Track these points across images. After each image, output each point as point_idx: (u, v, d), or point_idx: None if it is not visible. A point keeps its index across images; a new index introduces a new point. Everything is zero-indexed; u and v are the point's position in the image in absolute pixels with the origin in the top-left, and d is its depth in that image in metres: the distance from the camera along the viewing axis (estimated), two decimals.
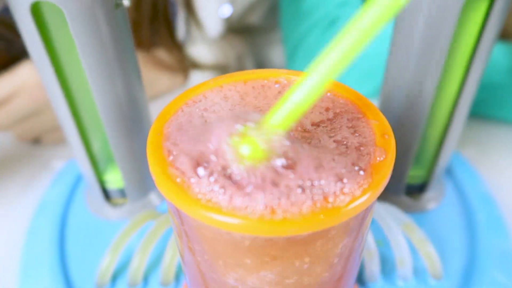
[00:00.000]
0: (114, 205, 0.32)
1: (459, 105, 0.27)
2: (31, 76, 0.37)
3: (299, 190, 0.14)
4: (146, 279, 0.28)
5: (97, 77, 0.26)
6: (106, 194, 0.32)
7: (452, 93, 0.27)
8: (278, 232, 0.14)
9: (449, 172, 0.35)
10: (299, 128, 0.17)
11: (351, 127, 0.17)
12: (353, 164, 0.15)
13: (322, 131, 0.17)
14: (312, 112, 0.18)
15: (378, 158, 0.16)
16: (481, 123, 0.43)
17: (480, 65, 0.26)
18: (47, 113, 0.38)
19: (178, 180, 0.15)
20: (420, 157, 0.31)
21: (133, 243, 0.29)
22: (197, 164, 0.15)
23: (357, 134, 0.17)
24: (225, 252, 0.16)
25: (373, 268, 0.27)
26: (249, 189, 0.14)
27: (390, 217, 0.28)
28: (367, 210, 0.16)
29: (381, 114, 0.18)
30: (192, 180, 0.15)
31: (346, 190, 0.15)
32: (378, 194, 0.15)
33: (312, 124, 0.17)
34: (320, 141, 0.16)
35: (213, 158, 0.15)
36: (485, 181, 0.35)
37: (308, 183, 0.14)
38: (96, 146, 0.30)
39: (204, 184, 0.15)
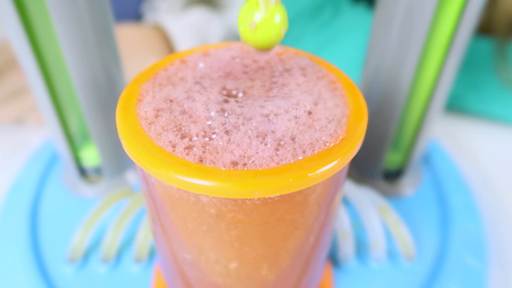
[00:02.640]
0: (90, 182, 0.31)
1: (437, 91, 0.27)
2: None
3: (268, 146, 0.14)
4: (119, 255, 0.27)
5: (73, 50, 0.25)
6: (82, 172, 0.31)
7: (429, 79, 0.28)
8: (245, 193, 0.14)
9: (426, 160, 0.36)
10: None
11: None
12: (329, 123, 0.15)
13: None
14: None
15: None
16: (462, 117, 0.44)
17: (458, 53, 0.26)
18: (31, 93, 0.38)
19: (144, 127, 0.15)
20: (398, 142, 0.31)
21: (107, 220, 0.28)
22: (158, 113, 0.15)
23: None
24: (189, 215, 0.16)
25: (348, 249, 0.27)
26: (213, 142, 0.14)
27: (367, 200, 0.28)
28: (339, 174, 0.16)
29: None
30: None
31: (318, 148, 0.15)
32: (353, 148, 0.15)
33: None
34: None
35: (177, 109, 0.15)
36: (462, 171, 0.35)
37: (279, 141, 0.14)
38: (72, 122, 0.29)
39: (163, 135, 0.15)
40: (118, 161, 0.31)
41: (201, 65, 0.18)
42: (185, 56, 0.19)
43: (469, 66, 0.43)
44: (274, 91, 0.17)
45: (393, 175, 0.32)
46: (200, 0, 0.52)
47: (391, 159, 0.32)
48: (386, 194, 0.32)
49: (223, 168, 0.14)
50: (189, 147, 0.14)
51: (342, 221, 0.27)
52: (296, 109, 0.16)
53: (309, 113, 0.16)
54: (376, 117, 0.29)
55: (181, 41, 0.44)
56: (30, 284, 0.25)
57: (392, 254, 0.28)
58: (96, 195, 0.31)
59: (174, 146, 0.14)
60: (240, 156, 0.14)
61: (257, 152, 0.14)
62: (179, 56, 0.19)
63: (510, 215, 0.33)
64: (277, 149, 0.14)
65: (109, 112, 0.29)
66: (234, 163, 0.14)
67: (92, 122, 0.28)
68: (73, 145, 0.30)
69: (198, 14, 0.47)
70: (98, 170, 0.31)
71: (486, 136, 0.42)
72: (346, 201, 0.31)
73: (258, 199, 0.14)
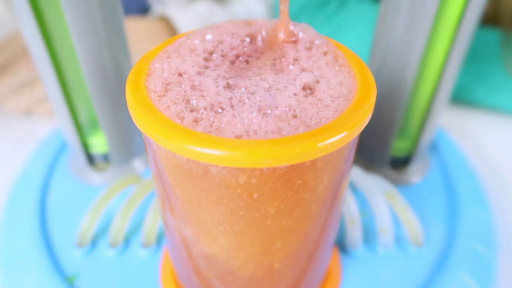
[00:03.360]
0: (98, 170, 0.32)
1: (443, 80, 0.27)
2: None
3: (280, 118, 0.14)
4: (127, 240, 0.27)
5: (83, 39, 0.25)
6: (90, 159, 0.32)
7: (436, 68, 0.28)
8: (255, 162, 0.14)
9: (434, 149, 0.35)
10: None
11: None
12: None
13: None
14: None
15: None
16: (468, 109, 0.44)
17: (464, 41, 0.26)
18: (41, 84, 0.38)
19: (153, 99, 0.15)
20: (405, 130, 0.31)
21: (115, 206, 0.28)
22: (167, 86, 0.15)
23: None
24: (198, 188, 0.16)
25: (355, 234, 0.27)
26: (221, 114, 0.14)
27: (374, 186, 0.28)
28: (348, 147, 0.16)
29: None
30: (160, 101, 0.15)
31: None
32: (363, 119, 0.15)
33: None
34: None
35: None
36: (470, 159, 0.35)
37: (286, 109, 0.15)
38: (81, 110, 0.29)
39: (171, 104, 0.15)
40: (126, 148, 0.31)
41: (209, 36, 0.18)
42: (193, 33, 0.19)
43: (476, 58, 0.43)
44: (278, 66, 0.17)
45: (401, 163, 0.32)
46: None
47: (399, 146, 0.31)
48: (394, 182, 0.32)
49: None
50: (196, 120, 0.14)
51: (350, 207, 0.27)
52: (301, 85, 0.16)
53: (312, 90, 0.16)
54: (383, 105, 0.29)
55: (188, 31, 0.45)
56: (40, 268, 0.26)
57: (400, 240, 0.28)
58: (104, 182, 0.31)
59: (182, 118, 0.14)
60: (245, 130, 0.14)
61: (260, 127, 0.14)
62: (188, 33, 0.19)
63: None
64: (280, 127, 0.14)
65: (117, 100, 0.29)
66: (239, 136, 0.14)
67: (100, 110, 0.28)
68: (82, 132, 0.30)
69: (204, 6, 0.47)
70: (106, 158, 0.31)
71: (493, 127, 0.42)
72: (354, 188, 0.31)
73: (268, 169, 0.14)
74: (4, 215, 0.29)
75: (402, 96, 0.28)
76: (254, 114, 0.14)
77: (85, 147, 0.31)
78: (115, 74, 0.28)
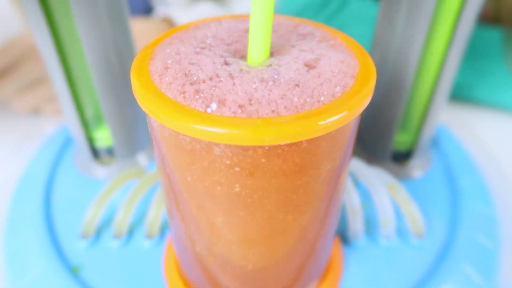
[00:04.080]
0: (102, 164, 0.32)
1: (443, 74, 0.28)
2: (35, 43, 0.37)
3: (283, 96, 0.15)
4: (131, 232, 0.28)
5: (90, 36, 0.26)
6: (95, 153, 0.32)
7: (435, 62, 0.28)
8: (256, 139, 0.14)
9: (435, 144, 0.36)
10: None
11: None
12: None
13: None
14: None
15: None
16: (469, 106, 0.44)
17: (462, 38, 0.26)
18: (48, 83, 0.39)
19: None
20: (406, 123, 0.31)
21: (119, 199, 0.29)
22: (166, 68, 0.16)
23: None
24: (200, 169, 0.16)
25: (357, 225, 0.27)
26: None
27: (376, 178, 0.28)
28: (347, 129, 0.16)
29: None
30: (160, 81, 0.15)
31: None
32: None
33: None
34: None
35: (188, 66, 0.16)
36: (471, 154, 0.35)
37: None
38: (87, 104, 0.30)
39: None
40: (130, 142, 0.32)
41: (212, 27, 0.19)
42: (198, 24, 0.20)
43: (478, 56, 0.43)
44: (279, 55, 0.17)
45: (402, 157, 0.33)
46: None
47: (400, 140, 0.32)
48: (396, 176, 0.32)
49: (231, 111, 0.14)
50: (197, 91, 0.15)
51: (352, 198, 0.28)
52: (303, 61, 0.16)
53: (313, 66, 0.16)
54: (385, 99, 0.30)
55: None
56: (45, 259, 0.26)
57: (401, 231, 0.28)
58: (108, 176, 0.32)
59: (183, 92, 0.15)
60: (248, 99, 0.14)
61: (263, 96, 0.14)
62: (192, 24, 0.20)
63: None
64: (283, 96, 0.14)
65: (122, 95, 0.29)
66: (241, 106, 0.14)
67: (105, 104, 0.29)
68: (87, 126, 0.30)
69: (206, 8, 0.48)
70: (110, 151, 0.32)
71: (495, 124, 0.42)
72: (355, 180, 0.31)
73: (269, 147, 0.15)
74: (10, 207, 0.30)
75: (403, 91, 0.29)
76: (256, 84, 0.15)
77: (90, 141, 0.31)
78: (120, 69, 0.29)
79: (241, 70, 0.15)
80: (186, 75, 0.15)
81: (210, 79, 0.15)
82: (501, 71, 0.42)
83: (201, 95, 0.14)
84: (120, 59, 0.28)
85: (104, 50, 0.27)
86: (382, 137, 0.31)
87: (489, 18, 0.45)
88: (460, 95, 0.43)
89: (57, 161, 0.33)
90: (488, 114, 0.43)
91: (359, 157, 0.33)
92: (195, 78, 0.15)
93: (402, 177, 0.32)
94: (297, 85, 0.15)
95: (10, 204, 0.30)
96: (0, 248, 0.27)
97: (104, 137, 0.31)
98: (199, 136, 0.14)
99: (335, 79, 0.16)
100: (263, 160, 0.15)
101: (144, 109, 0.16)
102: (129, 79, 0.30)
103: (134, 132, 0.31)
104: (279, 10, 0.51)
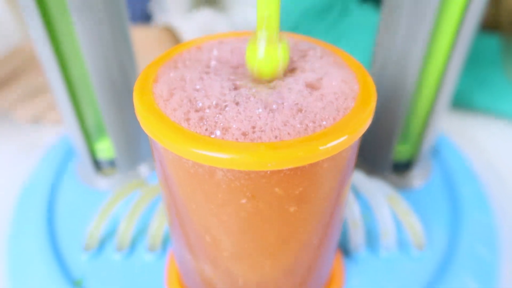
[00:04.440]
0: (104, 175, 0.32)
1: (443, 85, 0.28)
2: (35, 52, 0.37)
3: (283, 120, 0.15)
4: (133, 244, 0.28)
5: (91, 47, 0.26)
6: (97, 165, 0.32)
7: (436, 73, 0.28)
8: (258, 165, 0.14)
9: (436, 153, 0.36)
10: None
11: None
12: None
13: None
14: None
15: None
16: (469, 114, 0.44)
17: (463, 47, 0.27)
18: (49, 92, 0.39)
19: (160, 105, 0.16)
20: (407, 134, 0.31)
21: (121, 211, 0.29)
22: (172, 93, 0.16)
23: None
24: (203, 191, 0.16)
25: (358, 238, 0.27)
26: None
27: (376, 190, 0.28)
28: (348, 151, 0.17)
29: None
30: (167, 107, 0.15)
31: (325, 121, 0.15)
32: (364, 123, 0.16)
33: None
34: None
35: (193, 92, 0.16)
36: (471, 163, 0.35)
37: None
38: (89, 116, 0.30)
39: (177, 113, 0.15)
40: (132, 154, 0.32)
41: (215, 52, 0.19)
42: (200, 44, 0.20)
43: (476, 63, 0.43)
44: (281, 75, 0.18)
45: (403, 167, 0.33)
46: (206, 1, 0.53)
47: (401, 150, 0.32)
48: (396, 186, 0.32)
49: (234, 138, 0.14)
50: (202, 119, 0.15)
51: (353, 211, 0.28)
52: (304, 84, 0.16)
53: (316, 88, 0.16)
54: (385, 110, 0.30)
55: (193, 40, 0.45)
56: (48, 271, 0.26)
57: (402, 243, 0.28)
58: (110, 187, 0.32)
59: (188, 119, 0.15)
60: (251, 126, 0.14)
61: (267, 123, 0.14)
62: (195, 44, 0.20)
63: None
64: (286, 122, 0.15)
65: (124, 107, 0.30)
66: (244, 133, 0.14)
67: (107, 116, 0.29)
68: (89, 138, 0.31)
69: (205, 15, 0.48)
70: (112, 163, 0.32)
71: (494, 133, 0.42)
72: (356, 192, 0.31)
73: (271, 172, 0.15)
74: (13, 219, 0.30)
75: (403, 101, 0.29)
76: (260, 110, 0.15)
77: (92, 153, 0.31)
78: (121, 81, 0.29)
79: (246, 95, 0.16)
80: (191, 101, 0.15)
81: (215, 106, 0.15)
82: (499, 78, 0.42)
83: (205, 122, 0.15)
84: (121, 70, 0.29)
85: (105, 61, 0.27)
86: (382, 148, 0.31)
87: (487, 25, 0.46)
88: (459, 103, 0.43)
89: (59, 172, 0.33)
90: (487, 121, 0.43)
91: (359, 168, 0.33)
92: (200, 105, 0.15)
93: (402, 187, 0.32)
94: (299, 110, 0.15)
95: (12, 215, 0.30)
96: (3, 260, 0.28)
97: (105, 148, 0.31)
98: (201, 161, 0.15)
99: (337, 101, 0.16)
100: (265, 183, 0.15)
101: (147, 132, 0.16)
102: (131, 90, 0.30)
103: (136, 143, 0.32)
104: (279, 18, 0.51)
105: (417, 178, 0.33)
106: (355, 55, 0.45)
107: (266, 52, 0.16)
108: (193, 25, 0.46)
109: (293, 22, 0.47)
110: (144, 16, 0.53)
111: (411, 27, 0.26)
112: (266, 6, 0.15)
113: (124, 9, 0.27)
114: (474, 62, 0.43)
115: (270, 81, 0.17)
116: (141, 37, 0.45)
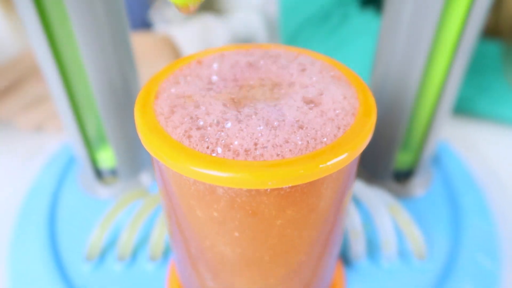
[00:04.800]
0: (106, 184, 0.32)
1: (445, 93, 0.28)
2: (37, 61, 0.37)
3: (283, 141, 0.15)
4: (135, 254, 0.28)
5: (92, 56, 0.26)
6: (98, 174, 0.32)
7: (437, 81, 0.28)
8: (259, 183, 0.14)
9: (437, 161, 0.36)
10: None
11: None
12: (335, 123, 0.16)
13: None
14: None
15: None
16: (470, 120, 0.44)
17: (464, 55, 0.27)
18: (50, 100, 0.39)
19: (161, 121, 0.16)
20: (408, 143, 0.31)
21: (123, 220, 0.29)
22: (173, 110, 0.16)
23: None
24: (204, 207, 0.16)
25: (359, 248, 0.27)
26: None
27: (377, 199, 0.28)
28: (347, 169, 0.17)
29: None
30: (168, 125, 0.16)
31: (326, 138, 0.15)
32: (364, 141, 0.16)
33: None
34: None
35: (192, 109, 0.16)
36: (473, 171, 0.35)
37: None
38: (90, 125, 0.30)
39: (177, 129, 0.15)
40: (133, 162, 0.32)
41: (215, 66, 0.19)
42: (201, 58, 0.20)
43: (478, 69, 0.43)
44: (282, 91, 0.18)
45: (404, 176, 0.33)
46: (203, 8, 0.53)
47: (402, 159, 0.32)
48: (397, 195, 0.32)
49: (237, 156, 0.14)
50: (203, 137, 0.15)
51: (353, 220, 0.28)
52: (304, 100, 0.16)
53: (316, 104, 0.16)
54: (386, 119, 0.30)
55: (188, 48, 0.46)
56: (49, 281, 0.26)
57: (403, 253, 0.28)
58: (112, 196, 0.32)
59: (189, 137, 0.15)
60: (254, 143, 0.15)
61: (269, 140, 0.15)
62: (195, 58, 0.20)
63: None
64: (287, 139, 0.15)
65: (125, 116, 0.30)
66: (247, 150, 0.14)
67: (108, 125, 0.29)
68: (90, 147, 0.31)
69: (203, 22, 0.48)
70: (113, 172, 0.32)
71: (496, 139, 0.42)
72: (357, 201, 0.31)
73: (272, 189, 0.15)
74: (15, 227, 0.30)
75: (404, 109, 0.29)
76: (261, 127, 0.15)
77: (94, 161, 0.31)
78: (123, 90, 0.29)
79: (247, 112, 0.16)
80: (192, 118, 0.15)
81: (217, 123, 0.15)
82: (500, 84, 0.42)
83: (207, 139, 0.15)
84: (123, 80, 0.29)
85: (107, 70, 0.27)
86: (383, 156, 0.31)
87: (488, 31, 0.46)
88: (460, 109, 0.43)
89: (61, 180, 0.34)
90: (488, 127, 0.43)
91: (360, 177, 0.33)
92: (201, 123, 0.15)
93: (403, 196, 0.32)
94: (300, 127, 0.15)
95: (14, 223, 0.30)
96: (5, 270, 0.28)
97: (107, 158, 0.31)
98: (202, 179, 0.15)
99: (338, 118, 0.16)
100: (265, 200, 0.15)
101: (148, 150, 0.16)
102: (132, 99, 0.30)
103: (137, 152, 0.32)
104: (280, 25, 0.51)
105: (418, 186, 0.33)
106: (356, 60, 0.45)
107: None
108: (188, 32, 0.46)
109: (293, 29, 0.48)
110: (144, 25, 0.53)
111: (412, 35, 0.26)
112: None
113: (125, 17, 0.27)
114: (474, 68, 0.43)
115: (190, 7, 0.16)
116: (140, 43, 0.45)
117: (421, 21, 0.25)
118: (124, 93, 0.29)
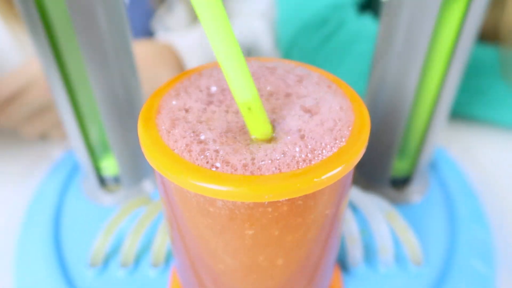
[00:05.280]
0: (109, 191, 0.33)
1: (441, 99, 0.28)
2: (40, 71, 0.38)
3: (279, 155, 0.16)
4: (137, 260, 0.29)
5: (95, 67, 0.27)
6: (102, 181, 0.33)
7: (434, 88, 0.29)
8: (256, 197, 0.15)
9: (433, 167, 0.36)
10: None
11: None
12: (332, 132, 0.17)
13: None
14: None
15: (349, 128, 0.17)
16: (467, 124, 0.45)
17: (460, 61, 0.27)
18: (55, 109, 0.39)
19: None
20: (405, 150, 0.32)
21: (126, 227, 0.30)
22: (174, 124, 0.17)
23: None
24: (204, 218, 0.17)
25: (356, 253, 0.28)
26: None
27: (374, 206, 0.29)
28: (344, 179, 0.17)
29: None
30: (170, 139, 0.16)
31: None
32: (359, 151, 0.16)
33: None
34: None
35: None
36: (469, 177, 0.36)
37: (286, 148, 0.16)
38: (93, 134, 0.31)
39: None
40: (136, 170, 0.33)
41: (215, 76, 0.20)
42: (202, 70, 0.20)
43: (475, 73, 0.44)
44: (280, 101, 0.18)
45: (401, 183, 0.33)
46: None
47: (398, 166, 0.32)
48: (394, 201, 0.33)
49: (234, 170, 0.15)
50: (203, 150, 0.15)
51: (350, 227, 0.28)
52: (303, 111, 0.17)
53: (314, 113, 0.17)
54: (383, 126, 0.30)
55: (189, 55, 0.46)
56: (54, 287, 0.27)
57: (400, 259, 0.29)
58: (115, 203, 0.32)
59: (190, 151, 0.16)
60: (251, 158, 0.15)
61: (266, 155, 0.15)
62: (197, 70, 0.20)
63: None
64: (285, 152, 0.15)
65: (128, 124, 0.30)
66: (245, 165, 0.15)
67: (111, 134, 0.30)
68: (94, 156, 0.31)
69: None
70: (116, 180, 0.33)
71: (492, 142, 0.43)
72: (354, 208, 0.32)
73: (269, 202, 0.16)
74: (19, 235, 0.31)
75: (401, 116, 0.29)
76: (260, 145, 0.16)
77: (97, 170, 0.32)
78: (125, 100, 0.30)
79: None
80: (194, 132, 0.16)
81: (217, 137, 0.16)
82: (498, 88, 0.43)
83: (207, 154, 0.15)
84: (125, 90, 0.29)
85: (110, 81, 0.28)
86: (381, 164, 0.32)
87: (486, 35, 0.46)
88: (457, 112, 0.44)
89: (65, 188, 0.34)
90: (485, 131, 0.44)
91: (357, 184, 0.33)
92: (202, 137, 0.16)
93: (400, 203, 0.33)
94: (301, 137, 0.16)
95: (20, 231, 0.31)
96: (11, 275, 0.28)
97: (110, 166, 0.32)
98: (201, 192, 0.15)
99: (336, 128, 0.17)
100: (263, 212, 0.16)
101: (151, 164, 0.16)
102: (135, 109, 0.31)
103: (139, 160, 0.32)
104: (277, 31, 0.52)
105: (415, 193, 0.33)
106: (353, 66, 0.45)
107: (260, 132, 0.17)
108: (190, 39, 0.47)
109: (291, 36, 0.48)
110: (146, 33, 0.54)
111: (409, 41, 0.26)
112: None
113: (127, 29, 0.28)
114: (472, 72, 0.43)
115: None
116: (142, 51, 0.45)
117: (417, 27, 0.25)
118: (126, 103, 0.30)
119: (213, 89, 0.19)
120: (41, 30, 0.25)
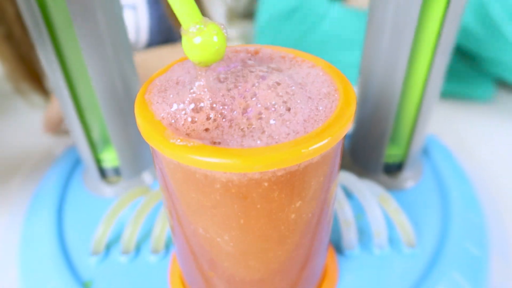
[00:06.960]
0: (109, 183, 0.34)
1: (429, 87, 0.29)
2: None
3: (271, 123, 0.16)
4: (138, 247, 0.29)
5: (95, 63, 0.28)
6: (102, 173, 0.34)
7: (421, 77, 0.30)
8: (247, 167, 0.16)
9: (426, 154, 0.37)
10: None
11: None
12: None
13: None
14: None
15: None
16: (456, 106, 0.47)
17: (445, 51, 0.28)
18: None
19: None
20: (396, 137, 0.33)
21: (126, 216, 0.31)
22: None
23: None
24: (200, 192, 0.18)
25: (351, 236, 0.29)
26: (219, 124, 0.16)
27: (367, 190, 0.30)
28: (332, 151, 0.18)
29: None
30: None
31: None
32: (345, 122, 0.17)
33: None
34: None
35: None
36: (460, 163, 0.37)
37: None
38: (94, 127, 0.32)
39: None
40: (135, 163, 0.33)
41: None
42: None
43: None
44: (263, 74, 0.19)
45: (394, 169, 0.34)
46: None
47: (391, 153, 0.33)
48: (388, 188, 0.34)
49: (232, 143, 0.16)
50: (194, 121, 0.17)
51: (345, 211, 0.29)
52: (291, 80, 0.18)
53: (301, 84, 0.18)
54: (374, 114, 0.31)
55: None
56: (59, 275, 0.28)
57: (393, 241, 0.29)
58: (115, 194, 0.33)
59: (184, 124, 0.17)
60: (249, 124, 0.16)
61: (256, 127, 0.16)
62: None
63: (509, 203, 0.34)
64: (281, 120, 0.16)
65: (127, 118, 0.31)
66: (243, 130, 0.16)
67: (111, 128, 0.31)
68: (95, 149, 0.32)
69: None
70: (117, 171, 0.34)
71: (477, 123, 0.44)
72: (348, 193, 0.32)
73: (261, 174, 0.16)
74: (24, 226, 0.32)
75: (392, 104, 0.30)
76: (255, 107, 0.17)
77: (98, 162, 0.33)
78: (124, 95, 0.31)
79: (239, 94, 0.17)
80: (188, 102, 0.17)
81: (211, 106, 0.17)
82: (459, 64, 0.46)
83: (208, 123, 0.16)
84: (125, 86, 0.30)
85: (110, 77, 0.29)
86: (374, 151, 0.32)
87: None
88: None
89: (67, 181, 0.35)
90: (470, 112, 0.46)
91: (351, 171, 0.34)
92: (197, 105, 0.17)
93: (394, 189, 0.34)
94: (287, 110, 0.17)
95: (23, 222, 0.32)
96: (16, 265, 0.29)
97: (110, 158, 0.33)
98: (196, 166, 0.16)
99: (322, 103, 0.18)
100: (255, 184, 0.17)
101: (148, 142, 0.17)
102: (134, 104, 0.31)
103: (139, 153, 0.33)
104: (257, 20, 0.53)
105: (409, 179, 0.34)
106: (322, 44, 0.48)
107: (202, 42, 0.16)
108: None
109: (266, 20, 0.50)
110: (162, 34, 0.55)
111: (395, 33, 0.27)
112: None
113: (124, 28, 0.29)
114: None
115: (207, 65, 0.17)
116: (162, 54, 0.47)
117: (404, 15, 0.26)
118: (126, 98, 0.31)
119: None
120: (43, 29, 0.26)
